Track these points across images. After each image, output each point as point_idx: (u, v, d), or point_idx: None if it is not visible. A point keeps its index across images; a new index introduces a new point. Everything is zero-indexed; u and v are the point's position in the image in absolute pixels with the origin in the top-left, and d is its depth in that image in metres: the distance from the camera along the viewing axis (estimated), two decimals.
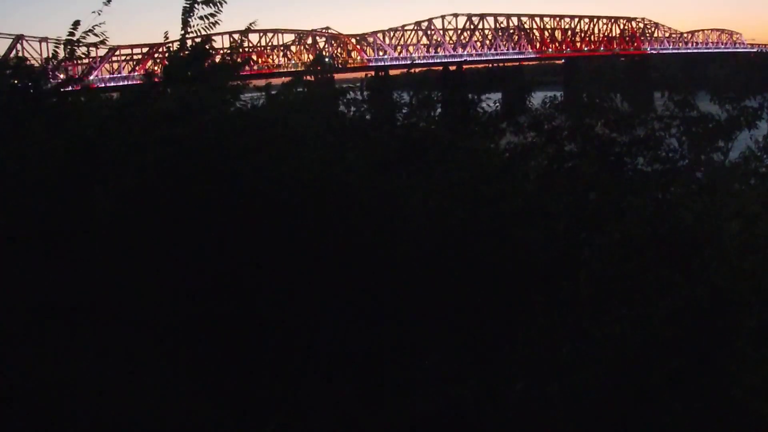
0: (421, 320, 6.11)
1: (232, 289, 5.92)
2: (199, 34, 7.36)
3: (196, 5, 7.17)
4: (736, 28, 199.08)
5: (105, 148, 6.20)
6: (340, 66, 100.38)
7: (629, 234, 6.16)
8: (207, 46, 7.53)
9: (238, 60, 8.21)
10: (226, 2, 7.20)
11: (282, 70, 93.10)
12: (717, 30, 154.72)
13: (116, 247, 5.74)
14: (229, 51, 8.30)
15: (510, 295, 6.23)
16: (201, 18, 7.22)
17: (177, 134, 6.19)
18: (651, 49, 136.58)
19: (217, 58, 7.95)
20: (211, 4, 7.21)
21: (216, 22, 7.24)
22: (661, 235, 6.15)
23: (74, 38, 7.13)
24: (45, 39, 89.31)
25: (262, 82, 8.95)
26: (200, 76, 7.19)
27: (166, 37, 8.30)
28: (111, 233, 5.76)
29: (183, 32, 7.26)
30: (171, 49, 7.82)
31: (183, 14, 7.19)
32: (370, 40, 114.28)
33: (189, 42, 7.41)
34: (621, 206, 7.06)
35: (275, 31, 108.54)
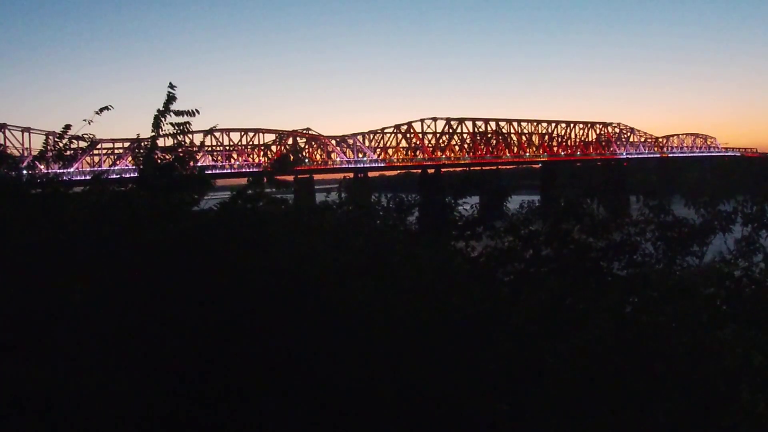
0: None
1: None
2: (173, 130, 7.32)
3: (167, 113, 7.21)
4: (711, 133, 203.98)
5: (81, 246, 6.21)
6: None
7: (593, 341, 6.13)
8: (177, 155, 7.48)
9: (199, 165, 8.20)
10: (197, 113, 7.29)
11: (260, 170, 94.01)
12: (692, 134, 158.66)
13: (89, 339, 5.67)
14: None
15: (473, 403, 6.11)
16: (172, 125, 7.26)
17: (150, 239, 6.20)
18: (627, 154, 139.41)
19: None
20: (184, 114, 7.28)
21: (188, 130, 7.29)
22: (626, 340, 6.14)
23: (63, 141, 7.28)
24: (28, 129, 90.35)
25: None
26: (171, 186, 7.15)
27: (138, 136, 8.34)
28: (85, 326, 5.71)
29: (154, 134, 7.26)
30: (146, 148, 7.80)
31: (153, 122, 7.21)
32: (350, 141, 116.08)
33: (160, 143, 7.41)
34: (587, 312, 7.04)
35: (256, 131, 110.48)
